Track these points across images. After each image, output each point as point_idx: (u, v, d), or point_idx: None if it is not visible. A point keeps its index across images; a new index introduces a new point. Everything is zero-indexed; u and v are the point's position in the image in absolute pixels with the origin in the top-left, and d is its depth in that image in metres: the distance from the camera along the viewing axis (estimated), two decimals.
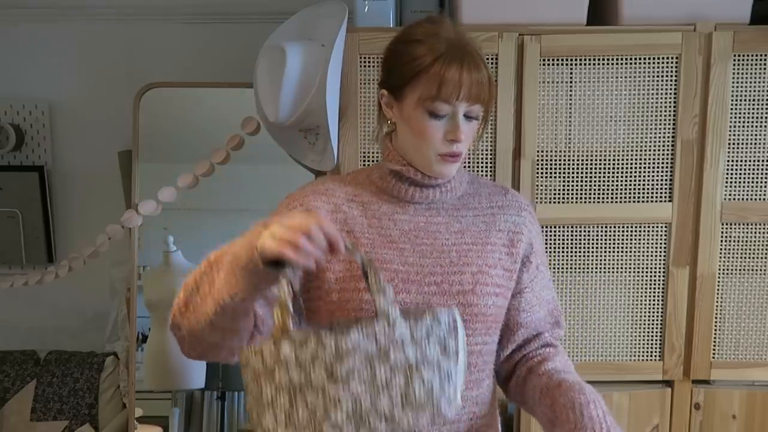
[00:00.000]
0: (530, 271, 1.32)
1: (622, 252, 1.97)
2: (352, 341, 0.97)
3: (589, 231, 1.97)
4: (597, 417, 1.14)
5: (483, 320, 1.25)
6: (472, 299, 1.23)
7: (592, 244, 1.97)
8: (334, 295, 1.22)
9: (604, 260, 1.98)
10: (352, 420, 0.97)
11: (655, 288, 1.99)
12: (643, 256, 1.97)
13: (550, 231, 1.95)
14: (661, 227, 1.97)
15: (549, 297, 1.37)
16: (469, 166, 1.93)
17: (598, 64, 1.91)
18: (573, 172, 1.95)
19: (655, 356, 2.01)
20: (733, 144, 1.94)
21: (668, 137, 1.94)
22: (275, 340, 1.00)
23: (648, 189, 1.95)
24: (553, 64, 1.92)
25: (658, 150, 1.94)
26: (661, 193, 1.96)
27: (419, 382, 0.99)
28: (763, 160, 1.95)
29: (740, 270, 1.98)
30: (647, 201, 1.96)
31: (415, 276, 1.22)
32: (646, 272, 1.98)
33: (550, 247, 1.95)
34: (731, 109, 1.93)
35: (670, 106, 1.93)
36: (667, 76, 1.92)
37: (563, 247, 1.97)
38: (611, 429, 1.14)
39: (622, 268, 1.98)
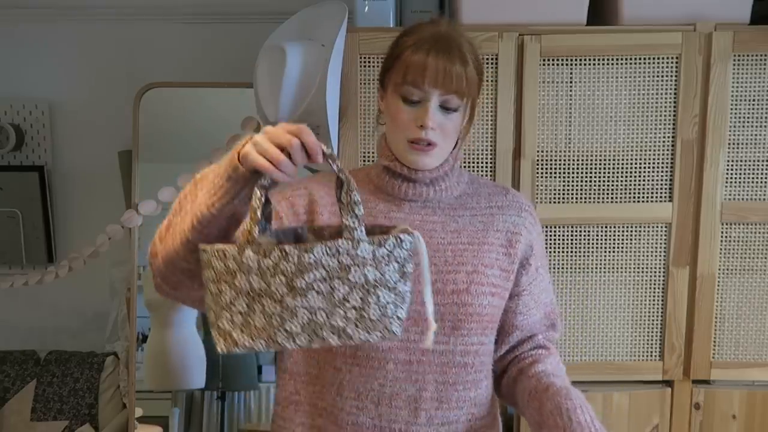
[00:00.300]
0: (529, 273, 1.32)
1: (622, 252, 1.97)
2: (315, 256, 0.99)
3: (589, 231, 1.97)
4: (585, 422, 1.15)
5: (478, 320, 1.24)
6: (467, 299, 1.23)
7: (592, 244, 1.97)
8: None
9: (604, 260, 1.98)
10: (306, 331, 1.00)
11: (655, 288, 1.99)
12: (643, 256, 1.97)
13: (550, 231, 1.95)
14: (661, 227, 1.97)
15: (547, 300, 1.37)
16: (469, 166, 1.93)
17: (598, 64, 1.91)
18: (573, 172, 1.95)
19: (655, 356, 2.01)
20: (733, 144, 1.94)
21: (668, 137, 1.94)
22: (240, 245, 1.01)
23: (648, 189, 1.95)
24: (553, 64, 1.92)
25: (658, 150, 1.94)
26: (661, 193, 1.96)
27: (375, 301, 1.01)
28: (763, 160, 1.95)
29: (740, 270, 1.98)
30: (647, 201, 1.96)
31: None
32: (646, 272, 1.98)
33: (550, 247, 1.95)
34: (731, 109, 1.93)
35: (670, 106, 1.93)
36: (667, 76, 1.92)
37: (563, 247, 1.97)
38: None
39: (622, 268, 1.98)
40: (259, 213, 1.02)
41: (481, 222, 1.30)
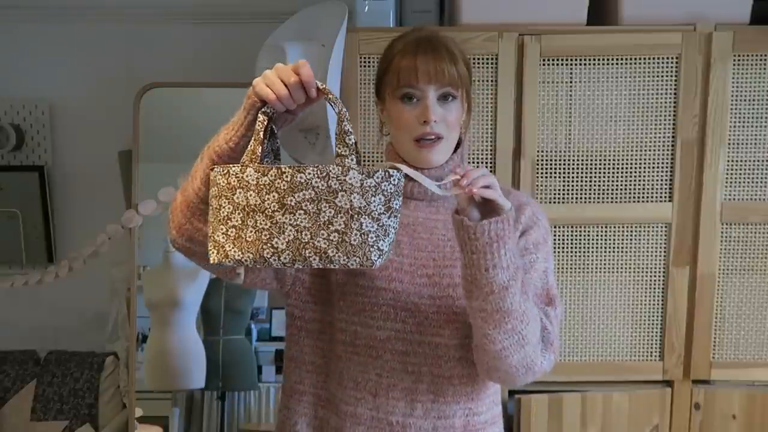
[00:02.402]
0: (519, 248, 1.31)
1: (622, 252, 1.97)
2: (307, 176, 1.07)
3: (589, 231, 1.97)
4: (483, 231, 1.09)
5: None
6: (462, 292, 1.23)
7: (592, 244, 1.97)
8: (332, 277, 1.31)
9: (604, 260, 1.98)
10: (290, 248, 1.07)
11: (655, 288, 1.99)
12: (643, 256, 1.98)
13: (550, 231, 1.95)
14: (661, 227, 1.97)
15: (537, 282, 1.31)
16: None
17: (598, 64, 1.91)
18: (573, 172, 1.95)
19: (655, 356, 2.01)
20: (733, 144, 1.94)
21: (668, 137, 1.94)
22: (243, 163, 1.10)
23: (648, 189, 1.95)
24: (553, 64, 1.92)
25: (658, 150, 1.94)
26: (661, 193, 1.96)
27: (357, 227, 1.06)
28: (763, 160, 1.95)
29: (740, 270, 1.98)
30: (647, 201, 1.96)
31: (408, 267, 1.27)
32: (646, 272, 1.98)
33: None
34: (731, 109, 1.93)
35: (670, 106, 1.93)
36: (667, 76, 1.92)
37: (563, 247, 1.97)
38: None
39: (622, 268, 1.98)
40: (261, 134, 1.10)
41: None
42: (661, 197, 1.96)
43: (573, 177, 1.95)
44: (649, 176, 1.95)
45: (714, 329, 2.00)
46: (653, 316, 2.00)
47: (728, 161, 1.94)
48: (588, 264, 1.98)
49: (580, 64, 1.91)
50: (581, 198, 1.96)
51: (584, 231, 1.97)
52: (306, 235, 1.06)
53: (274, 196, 1.07)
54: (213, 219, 1.10)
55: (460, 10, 1.93)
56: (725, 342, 2.01)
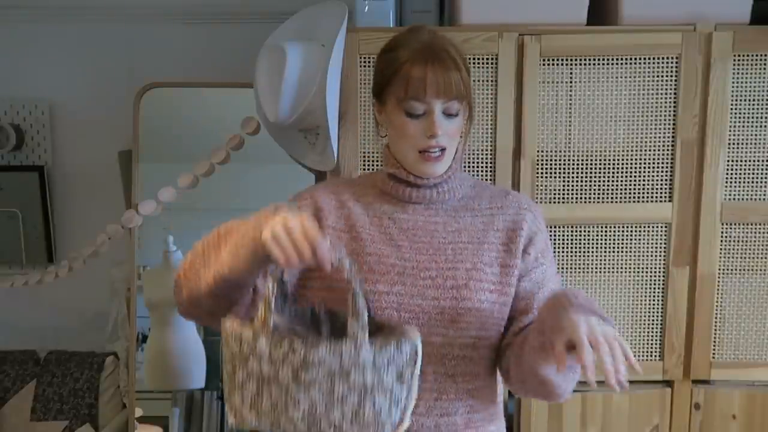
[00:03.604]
0: (527, 261, 1.34)
1: (622, 252, 1.97)
2: (319, 355, 1.07)
3: (589, 231, 1.97)
4: (584, 301, 1.16)
5: (477, 314, 1.28)
6: (466, 293, 1.27)
7: (592, 244, 1.97)
8: (335, 283, 1.28)
9: (604, 260, 1.98)
10: (306, 421, 1.08)
11: (655, 288, 1.99)
12: (643, 256, 1.97)
13: (550, 231, 1.95)
14: (661, 227, 1.97)
15: (553, 287, 1.37)
16: (469, 166, 1.93)
17: (598, 64, 1.91)
18: (573, 172, 1.95)
19: (655, 356, 2.01)
20: (733, 144, 1.94)
21: (668, 137, 1.94)
22: (255, 331, 1.10)
23: (648, 189, 1.95)
24: (553, 64, 1.92)
25: (658, 150, 1.94)
26: (661, 193, 1.96)
27: (370, 404, 1.09)
28: (763, 160, 1.95)
29: (740, 270, 1.98)
30: (647, 201, 1.96)
31: (411, 270, 1.28)
32: (646, 272, 1.98)
33: None
34: (731, 109, 1.93)
35: (670, 106, 1.93)
36: (667, 76, 1.92)
37: (563, 247, 1.97)
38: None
39: (622, 268, 1.98)
40: (272, 303, 1.11)
41: (482, 222, 1.35)
42: (661, 197, 1.96)
43: (573, 177, 1.95)
44: (649, 176, 1.95)
45: (714, 329, 1.99)
46: (653, 316, 2.00)
47: (728, 161, 1.94)
48: (588, 264, 1.98)
49: (580, 64, 1.91)
50: (581, 198, 1.96)
51: (584, 231, 1.97)
52: (321, 408, 1.08)
53: (287, 370, 1.08)
54: (229, 381, 1.13)
55: (460, 10, 1.93)
56: (725, 342, 2.01)
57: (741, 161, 1.95)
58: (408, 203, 1.34)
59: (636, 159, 1.94)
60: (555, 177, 1.96)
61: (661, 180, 1.95)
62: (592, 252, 1.97)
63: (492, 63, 1.91)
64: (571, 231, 1.97)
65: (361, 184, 1.40)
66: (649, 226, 1.97)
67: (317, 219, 1.32)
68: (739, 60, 1.91)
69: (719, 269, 1.97)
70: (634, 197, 1.96)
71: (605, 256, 1.98)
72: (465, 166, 1.93)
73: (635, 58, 1.91)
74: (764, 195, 1.96)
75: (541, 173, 1.95)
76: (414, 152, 1.29)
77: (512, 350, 1.30)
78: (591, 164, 1.95)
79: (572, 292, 1.18)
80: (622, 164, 1.95)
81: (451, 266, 1.29)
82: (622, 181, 1.95)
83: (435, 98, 1.25)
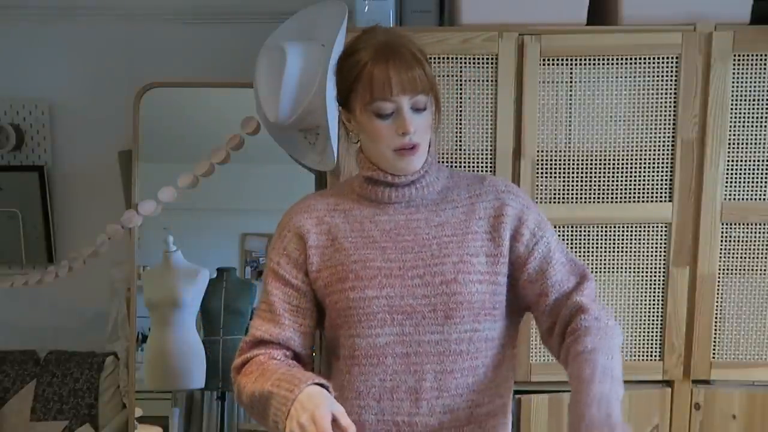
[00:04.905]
0: (525, 241, 1.34)
1: (622, 252, 1.97)
2: None
3: (589, 231, 1.97)
4: (598, 417, 1.15)
5: (469, 308, 1.28)
6: (456, 288, 1.28)
7: (592, 244, 1.97)
8: (327, 300, 1.32)
9: (604, 260, 1.98)
10: None
11: (655, 288, 1.99)
12: (643, 256, 1.97)
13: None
14: (661, 227, 1.97)
15: (562, 258, 1.37)
16: (469, 166, 1.93)
17: (598, 64, 1.91)
18: (573, 172, 1.95)
19: (655, 356, 2.01)
20: (733, 144, 1.94)
21: (668, 137, 1.94)
22: None
23: (648, 189, 1.95)
24: (553, 64, 1.92)
25: (658, 150, 1.94)
26: (661, 193, 1.96)
27: None
28: (763, 160, 1.95)
29: (740, 270, 1.98)
30: (647, 201, 1.96)
31: (398, 271, 1.28)
32: (646, 272, 1.98)
33: None
34: (731, 109, 1.92)
35: (670, 106, 1.93)
36: (667, 76, 1.92)
37: None
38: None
39: (622, 268, 1.98)
40: None
41: (463, 213, 1.35)
42: (661, 197, 1.96)
43: (573, 177, 1.95)
44: (649, 176, 1.95)
45: (714, 329, 1.99)
46: (653, 316, 2.00)
47: (728, 161, 1.94)
48: (588, 264, 1.97)
49: (580, 64, 1.91)
50: (581, 198, 1.96)
51: (584, 231, 1.97)
52: None
53: None
54: None
55: (460, 10, 1.92)
56: (725, 342, 2.00)
57: (741, 161, 1.95)
58: (388, 204, 1.35)
59: (636, 159, 1.94)
60: (555, 177, 1.95)
61: (661, 180, 1.95)
62: (592, 252, 1.97)
63: (492, 63, 1.91)
64: (571, 231, 1.97)
65: (336, 193, 1.41)
66: (649, 226, 1.97)
67: (302, 249, 1.34)
68: (739, 60, 1.91)
69: (719, 269, 1.97)
70: (634, 197, 1.96)
71: (605, 256, 1.97)
72: (465, 167, 1.93)
73: (635, 58, 1.91)
74: (764, 195, 1.96)
75: (541, 173, 1.95)
76: (389, 152, 1.29)
77: (565, 364, 1.31)
78: (591, 164, 1.95)
79: (597, 403, 1.16)
80: (622, 164, 1.95)
81: (438, 261, 1.29)
82: (622, 181, 1.95)
83: (401, 95, 1.24)
